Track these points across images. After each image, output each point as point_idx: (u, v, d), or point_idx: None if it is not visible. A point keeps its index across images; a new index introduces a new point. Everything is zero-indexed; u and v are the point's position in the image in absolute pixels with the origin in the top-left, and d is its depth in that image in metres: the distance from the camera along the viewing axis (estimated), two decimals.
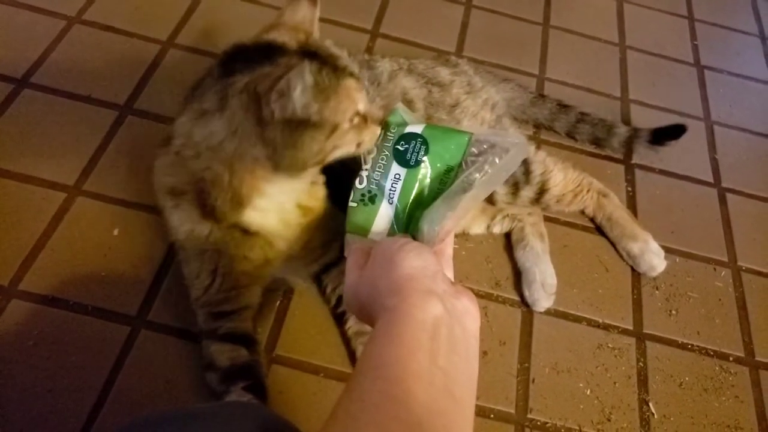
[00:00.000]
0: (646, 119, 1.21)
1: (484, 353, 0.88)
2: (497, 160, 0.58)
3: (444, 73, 1.00)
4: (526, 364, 0.88)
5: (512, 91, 1.12)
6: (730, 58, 1.41)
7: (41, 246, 0.87)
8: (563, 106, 1.13)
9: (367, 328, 0.76)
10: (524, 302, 0.93)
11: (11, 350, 0.77)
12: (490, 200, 0.94)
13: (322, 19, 1.23)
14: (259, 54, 0.62)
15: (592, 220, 1.05)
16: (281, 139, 0.61)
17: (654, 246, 1.00)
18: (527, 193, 0.95)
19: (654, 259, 0.99)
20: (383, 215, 0.60)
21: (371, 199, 0.61)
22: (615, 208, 1.03)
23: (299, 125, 0.60)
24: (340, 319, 0.86)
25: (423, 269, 0.47)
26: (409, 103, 0.92)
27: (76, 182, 0.94)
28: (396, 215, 0.60)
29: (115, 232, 0.90)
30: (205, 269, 0.75)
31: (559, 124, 1.13)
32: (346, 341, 0.85)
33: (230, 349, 0.76)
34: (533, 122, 1.16)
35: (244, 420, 0.47)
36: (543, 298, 0.92)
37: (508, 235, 1.00)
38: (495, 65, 1.25)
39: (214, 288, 0.76)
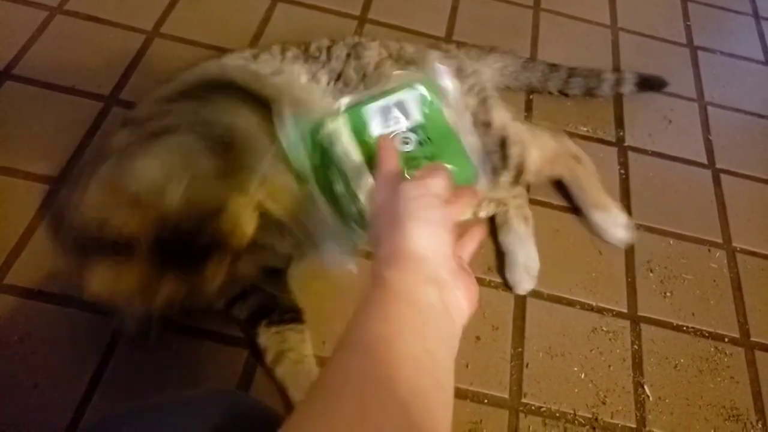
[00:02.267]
0: (639, 100, 1.20)
1: (476, 338, 0.87)
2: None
3: (433, 58, 0.98)
4: (520, 349, 0.87)
5: (502, 60, 1.12)
6: (724, 38, 1.40)
7: (26, 239, 0.85)
8: (553, 65, 1.16)
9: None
10: (507, 285, 0.92)
11: None
12: None
13: (309, 6, 1.25)
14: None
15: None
16: None
17: (620, 217, 0.98)
18: (505, 178, 0.94)
19: (618, 230, 0.98)
20: None
21: None
22: (585, 174, 1.01)
23: None
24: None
25: (434, 253, 0.46)
26: None
27: (60, 174, 0.92)
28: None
29: None
30: None
31: (552, 83, 1.15)
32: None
33: None
34: (527, 87, 1.17)
35: (214, 408, 0.46)
36: (525, 281, 0.91)
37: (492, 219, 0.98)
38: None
39: None
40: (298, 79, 0.87)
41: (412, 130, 0.59)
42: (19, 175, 0.91)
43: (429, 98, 0.60)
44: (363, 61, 0.92)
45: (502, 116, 0.97)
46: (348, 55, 0.92)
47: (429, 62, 0.64)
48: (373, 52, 0.94)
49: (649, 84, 1.20)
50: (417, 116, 0.59)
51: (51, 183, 0.91)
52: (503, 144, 0.94)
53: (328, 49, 0.93)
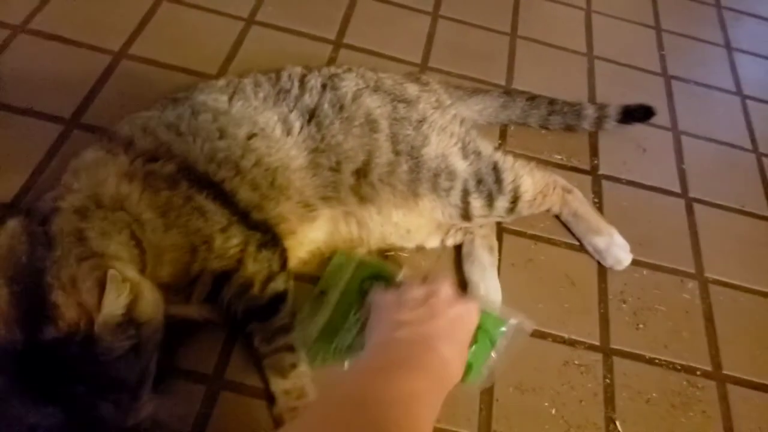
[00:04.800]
0: (614, 128, 1.19)
1: None
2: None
3: (412, 90, 0.97)
4: (489, 385, 0.85)
5: (482, 102, 1.11)
6: (697, 68, 1.41)
7: None
8: (532, 100, 1.14)
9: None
10: None
11: None
12: (466, 215, 0.92)
13: (283, 29, 1.23)
14: None
15: (557, 217, 1.04)
16: None
17: (619, 240, 0.99)
18: (502, 203, 0.93)
19: (620, 252, 0.99)
20: None
21: None
22: (580, 204, 1.03)
23: None
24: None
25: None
26: (372, 123, 0.89)
27: (14, 199, 0.89)
28: None
29: None
30: None
31: (532, 120, 1.15)
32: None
33: None
34: (507, 122, 1.16)
35: None
36: None
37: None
38: (461, 76, 1.23)
39: None
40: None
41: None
42: None
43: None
44: (340, 92, 0.90)
45: (487, 146, 0.97)
46: (324, 86, 0.91)
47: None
48: (350, 83, 0.92)
49: (634, 116, 1.16)
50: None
51: (3, 211, 0.87)
52: (496, 168, 0.94)
53: (302, 79, 0.91)
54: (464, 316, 0.65)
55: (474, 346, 0.67)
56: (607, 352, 0.91)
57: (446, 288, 0.66)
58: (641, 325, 0.95)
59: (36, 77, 1.04)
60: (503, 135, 1.15)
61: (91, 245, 0.67)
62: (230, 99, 0.87)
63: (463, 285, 0.93)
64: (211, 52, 1.15)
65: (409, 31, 1.31)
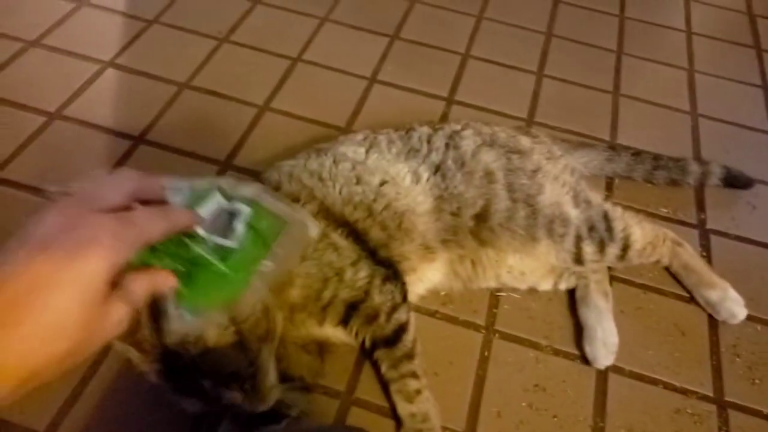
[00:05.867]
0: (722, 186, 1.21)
1: (553, 417, 0.88)
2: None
3: (524, 141, 1.05)
4: (602, 424, 0.88)
5: (588, 155, 1.17)
6: None
7: None
8: (637, 155, 1.19)
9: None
10: (584, 359, 0.94)
11: None
12: (579, 260, 0.97)
13: (401, 87, 1.36)
14: None
15: (666, 269, 1.06)
16: None
17: (733, 294, 1.00)
18: (613, 250, 0.97)
19: (734, 306, 0.99)
20: None
21: None
22: (690, 256, 1.05)
23: None
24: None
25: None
26: (490, 175, 0.97)
27: None
28: None
29: None
30: None
31: (637, 174, 1.19)
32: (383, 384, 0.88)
33: None
34: (612, 176, 1.21)
35: None
36: (603, 356, 0.93)
37: (572, 292, 1.02)
38: (566, 131, 1.30)
39: None
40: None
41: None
42: None
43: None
44: (461, 150, 0.99)
45: (597, 196, 1.03)
46: (447, 145, 1.00)
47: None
48: (469, 141, 1.01)
49: (736, 182, 1.20)
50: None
51: None
52: (606, 217, 0.99)
53: (429, 139, 1.01)
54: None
55: (238, 250, 0.52)
56: (722, 404, 0.91)
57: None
58: (757, 381, 0.95)
59: (197, 126, 1.21)
60: (609, 187, 1.20)
61: None
62: (367, 151, 0.98)
63: (578, 328, 0.97)
64: (340, 106, 1.29)
65: (515, 88, 1.41)
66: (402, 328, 0.88)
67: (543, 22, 1.59)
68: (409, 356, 0.87)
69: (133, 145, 1.16)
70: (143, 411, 0.82)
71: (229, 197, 0.55)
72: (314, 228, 0.59)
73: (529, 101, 1.38)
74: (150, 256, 0.48)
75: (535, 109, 1.36)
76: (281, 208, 0.57)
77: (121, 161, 1.13)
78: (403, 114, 1.27)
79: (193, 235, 0.51)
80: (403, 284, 0.91)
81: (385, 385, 0.87)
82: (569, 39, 1.55)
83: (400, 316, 0.88)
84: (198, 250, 0.51)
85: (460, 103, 1.35)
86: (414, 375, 0.86)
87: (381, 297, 0.87)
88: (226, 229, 0.53)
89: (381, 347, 0.87)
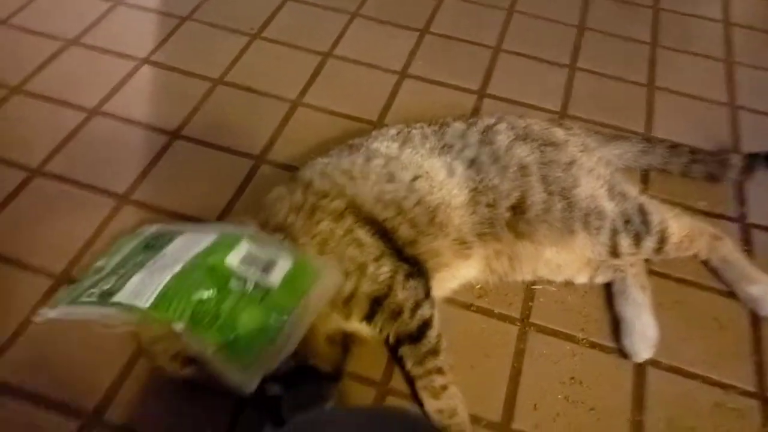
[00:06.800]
0: (761, 176, 1.18)
1: (590, 409, 0.87)
2: None
3: (559, 134, 1.04)
4: (639, 418, 0.87)
5: (621, 147, 1.15)
6: None
7: None
8: (673, 148, 1.15)
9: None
10: (621, 352, 0.93)
11: None
12: (615, 253, 0.95)
13: (432, 81, 1.36)
14: None
15: (705, 263, 1.04)
16: None
17: None
18: (649, 243, 0.96)
19: None
20: None
21: None
22: (730, 251, 1.03)
23: None
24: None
25: None
26: (524, 169, 0.96)
27: (219, 216, 1.06)
28: None
29: None
30: None
31: (673, 167, 1.16)
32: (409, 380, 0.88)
33: None
34: (646, 168, 1.18)
35: (398, 425, 0.51)
36: (642, 350, 0.92)
37: (608, 285, 1.00)
38: (600, 124, 1.29)
39: None
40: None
41: None
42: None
43: None
44: (495, 146, 0.99)
45: (632, 189, 1.01)
46: (480, 141, 1.00)
47: None
48: (502, 136, 1.00)
49: None
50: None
51: None
52: (642, 210, 0.97)
53: (463, 134, 1.01)
54: None
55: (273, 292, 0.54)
56: (765, 400, 0.89)
57: None
58: None
59: (231, 121, 1.23)
60: (645, 180, 1.18)
61: None
62: (401, 146, 0.99)
63: (614, 321, 0.96)
64: (371, 101, 1.30)
65: (548, 81, 1.39)
66: (426, 324, 0.87)
67: (575, 15, 1.57)
68: (434, 352, 0.86)
69: (169, 141, 1.18)
70: (187, 394, 0.84)
71: (259, 244, 0.59)
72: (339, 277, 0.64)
73: (562, 95, 1.36)
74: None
75: (568, 103, 1.34)
76: (309, 258, 0.61)
77: (158, 156, 1.16)
78: (434, 108, 1.27)
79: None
80: (427, 281, 0.90)
81: (411, 382, 0.87)
82: (602, 31, 1.53)
83: (424, 312, 0.87)
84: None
85: (491, 96, 1.34)
86: (439, 371, 0.85)
87: (404, 293, 0.87)
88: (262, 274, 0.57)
89: (405, 343, 0.87)
